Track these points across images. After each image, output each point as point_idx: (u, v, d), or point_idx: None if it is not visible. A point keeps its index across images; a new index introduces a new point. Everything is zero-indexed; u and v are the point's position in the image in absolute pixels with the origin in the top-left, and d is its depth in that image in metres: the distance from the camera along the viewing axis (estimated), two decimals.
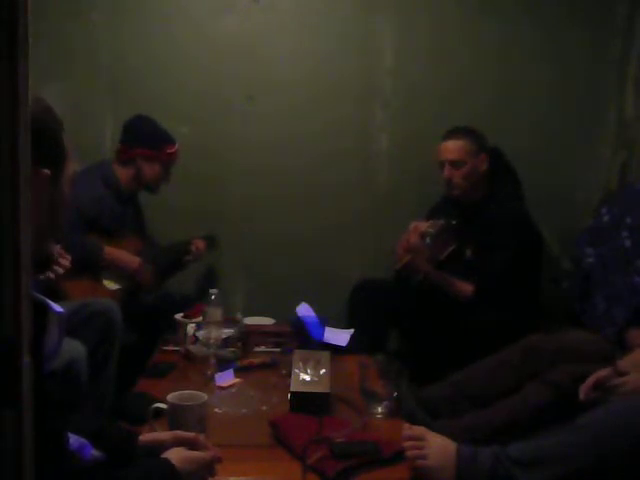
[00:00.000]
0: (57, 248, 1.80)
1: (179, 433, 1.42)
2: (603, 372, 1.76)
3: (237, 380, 2.15)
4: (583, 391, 1.75)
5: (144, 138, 2.68)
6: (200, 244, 2.96)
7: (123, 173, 2.70)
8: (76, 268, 2.38)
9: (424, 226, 2.71)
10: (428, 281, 2.68)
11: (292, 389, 1.91)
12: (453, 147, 2.72)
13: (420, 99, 3.20)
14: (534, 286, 2.84)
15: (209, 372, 2.14)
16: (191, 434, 1.41)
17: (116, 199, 2.69)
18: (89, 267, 2.52)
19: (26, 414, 0.64)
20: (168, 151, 2.70)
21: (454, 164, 2.72)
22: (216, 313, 2.23)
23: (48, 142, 1.07)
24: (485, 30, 3.16)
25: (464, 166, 2.71)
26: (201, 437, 1.42)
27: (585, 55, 3.17)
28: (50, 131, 1.08)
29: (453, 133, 2.75)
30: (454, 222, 2.72)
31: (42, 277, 1.85)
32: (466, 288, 2.65)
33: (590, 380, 1.76)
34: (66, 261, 1.90)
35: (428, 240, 2.64)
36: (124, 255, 2.62)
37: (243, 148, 3.19)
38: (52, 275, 1.85)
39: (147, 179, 2.70)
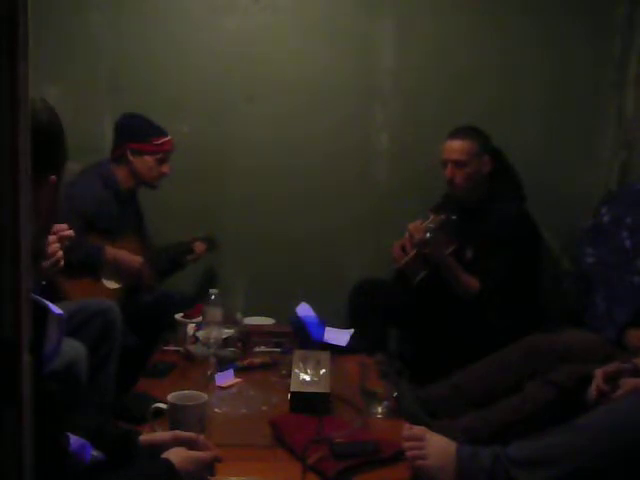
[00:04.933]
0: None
1: (179, 433, 1.42)
2: (611, 367, 1.77)
3: (237, 380, 2.15)
4: (596, 388, 1.76)
5: (131, 133, 2.68)
6: (200, 247, 2.96)
7: (119, 172, 2.70)
8: (76, 269, 2.39)
9: (425, 222, 2.71)
10: (442, 269, 2.66)
11: (292, 389, 1.92)
12: (457, 147, 2.72)
13: (420, 99, 3.20)
14: (534, 286, 2.84)
15: (209, 372, 2.14)
16: (191, 434, 1.41)
17: (115, 199, 2.69)
18: (89, 268, 2.52)
19: (26, 414, 0.63)
20: (155, 142, 2.67)
21: (457, 164, 2.71)
22: (216, 313, 2.23)
23: (55, 147, 1.07)
24: (485, 30, 3.16)
25: (467, 167, 2.71)
26: (201, 437, 1.42)
27: (585, 55, 3.17)
28: (57, 135, 1.08)
29: (458, 133, 2.74)
30: (454, 217, 2.72)
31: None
32: (474, 284, 2.65)
33: (599, 377, 1.76)
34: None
35: (429, 235, 2.64)
36: (126, 255, 2.62)
37: (243, 148, 3.19)
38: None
39: (141, 173, 2.69)
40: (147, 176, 2.70)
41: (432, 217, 2.72)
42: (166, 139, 2.71)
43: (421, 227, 2.66)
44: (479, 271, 2.65)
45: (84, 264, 2.48)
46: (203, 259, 3.04)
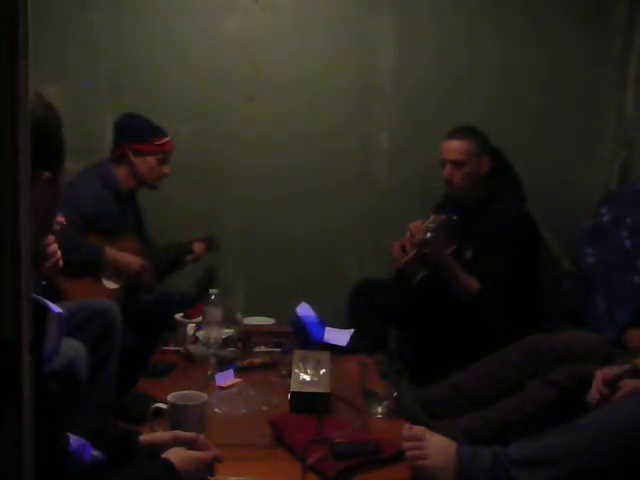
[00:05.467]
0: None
1: (179, 433, 1.42)
2: (611, 371, 1.77)
3: (237, 380, 2.15)
4: (596, 391, 1.75)
5: (132, 133, 2.68)
6: (200, 247, 2.96)
7: (120, 172, 2.70)
8: (76, 269, 2.39)
9: (426, 222, 2.71)
10: (442, 269, 2.66)
11: (292, 389, 1.92)
12: (455, 147, 2.72)
13: (420, 99, 3.20)
14: (534, 286, 2.83)
15: (209, 372, 2.14)
16: (191, 434, 1.41)
17: (115, 199, 2.69)
18: (89, 268, 2.52)
19: (26, 414, 0.63)
20: (157, 143, 2.68)
21: (455, 164, 2.72)
22: (216, 313, 2.23)
23: (50, 143, 1.06)
24: (485, 30, 3.16)
25: (465, 167, 2.71)
26: (201, 437, 1.42)
27: (585, 55, 3.17)
28: (52, 132, 1.07)
29: (456, 133, 2.74)
30: (455, 217, 2.72)
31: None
32: (474, 284, 2.64)
33: (599, 380, 1.76)
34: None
35: (429, 235, 2.64)
36: (125, 257, 2.62)
37: (243, 148, 3.19)
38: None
39: (142, 174, 2.69)
40: (148, 176, 2.70)
41: (433, 217, 2.72)
42: (167, 139, 2.71)
43: (422, 227, 2.66)
44: (479, 271, 2.65)
45: (84, 264, 2.48)
46: (203, 259, 3.04)
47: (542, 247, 2.96)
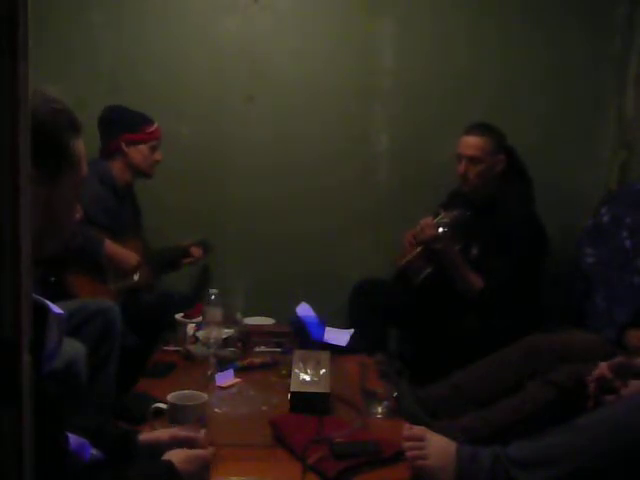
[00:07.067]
0: None
1: (177, 433, 1.41)
2: (616, 360, 1.76)
3: (237, 380, 2.15)
4: (597, 377, 1.75)
5: (124, 125, 2.70)
6: (197, 251, 2.97)
7: (114, 166, 2.71)
8: (76, 258, 2.40)
9: (436, 218, 2.70)
10: (449, 265, 2.65)
11: (292, 389, 1.92)
12: (473, 143, 2.71)
13: (420, 99, 3.20)
14: (536, 287, 2.83)
15: (209, 372, 2.14)
16: (189, 434, 1.40)
17: (114, 196, 2.70)
18: (88, 258, 2.51)
19: (26, 414, 0.63)
20: (147, 131, 2.71)
21: (472, 160, 2.70)
22: (216, 313, 2.23)
23: (39, 141, 1.06)
24: (485, 30, 3.16)
25: (481, 164, 2.70)
26: (201, 434, 1.41)
27: (585, 55, 3.17)
28: (44, 130, 1.07)
29: (475, 129, 2.73)
30: (468, 213, 2.71)
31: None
32: (479, 283, 2.64)
33: (605, 368, 1.76)
34: None
35: (441, 230, 2.63)
36: (123, 251, 2.62)
37: (243, 148, 3.19)
38: None
39: (137, 164, 2.71)
40: (143, 165, 2.73)
41: (444, 213, 2.72)
42: (156, 126, 2.75)
43: (432, 223, 2.66)
44: (483, 269, 2.65)
45: (83, 253, 2.46)
46: (200, 261, 3.05)
47: (548, 249, 2.96)
